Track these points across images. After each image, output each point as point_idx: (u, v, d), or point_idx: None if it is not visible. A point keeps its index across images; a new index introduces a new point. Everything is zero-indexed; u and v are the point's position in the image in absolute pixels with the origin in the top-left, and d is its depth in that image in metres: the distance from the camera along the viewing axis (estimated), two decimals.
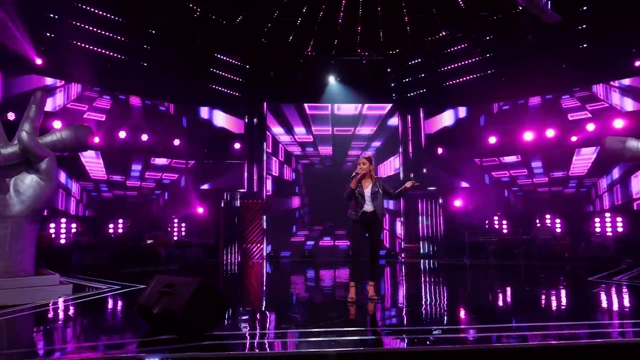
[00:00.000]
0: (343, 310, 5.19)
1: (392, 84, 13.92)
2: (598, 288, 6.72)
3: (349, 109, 13.68)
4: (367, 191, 5.43)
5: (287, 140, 13.65)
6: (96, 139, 10.88)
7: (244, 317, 5.01)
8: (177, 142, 12.88)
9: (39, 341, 4.09)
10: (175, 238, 12.55)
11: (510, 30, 11.29)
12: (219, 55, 12.88)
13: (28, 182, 6.06)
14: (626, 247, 10.30)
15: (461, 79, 12.90)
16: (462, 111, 13.56)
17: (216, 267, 11.04)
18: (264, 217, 13.16)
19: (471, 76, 12.75)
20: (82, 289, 6.87)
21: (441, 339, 3.84)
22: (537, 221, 12.02)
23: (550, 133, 11.97)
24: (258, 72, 13.30)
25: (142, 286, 4.35)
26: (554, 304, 5.86)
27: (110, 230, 12.03)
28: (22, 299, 5.62)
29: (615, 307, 5.54)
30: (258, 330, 4.36)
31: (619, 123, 10.72)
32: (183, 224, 13.07)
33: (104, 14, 10.65)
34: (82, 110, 11.38)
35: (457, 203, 12.82)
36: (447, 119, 13.65)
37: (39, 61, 10.04)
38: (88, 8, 10.38)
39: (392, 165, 13.60)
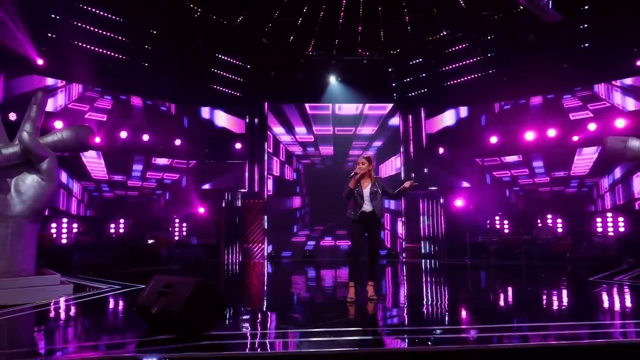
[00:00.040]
0: (342, 310, 5.18)
1: (393, 84, 13.91)
2: (599, 288, 6.70)
3: (350, 108, 13.67)
4: (366, 191, 5.41)
5: (288, 140, 13.66)
6: (97, 139, 10.89)
7: (243, 317, 5.01)
8: (178, 142, 12.90)
9: (39, 341, 4.09)
10: (177, 238, 12.56)
11: (511, 29, 11.28)
12: (219, 56, 12.89)
13: (29, 182, 6.07)
14: (628, 247, 10.27)
15: (462, 79, 12.89)
16: (463, 111, 13.55)
17: (217, 267, 11.04)
18: (265, 217, 13.17)
19: (472, 76, 12.74)
20: (83, 289, 6.89)
21: (441, 339, 3.83)
22: (539, 221, 12.00)
23: (551, 133, 11.95)
24: (259, 72, 13.31)
25: (143, 286, 4.35)
26: (555, 304, 5.84)
27: (112, 230, 12.04)
28: (22, 298, 5.63)
29: (617, 307, 5.53)
30: (257, 330, 4.36)
31: (620, 123, 10.69)
32: (184, 224, 13.08)
33: (105, 14, 10.66)
34: (83, 111, 11.40)
35: (459, 203, 12.81)
36: (448, 118, 13.64)
37: (40, 61, 10.06)
38: (89, 8, 10.40)
39: (393, 165, 13.59)
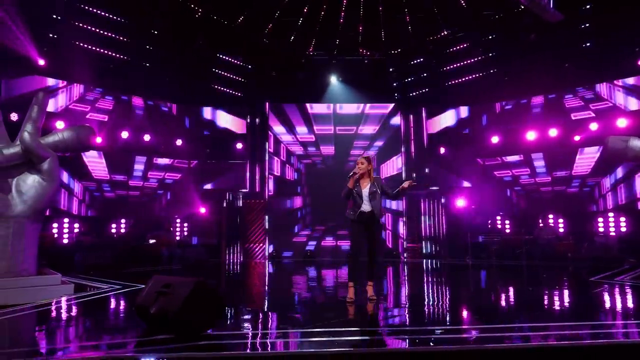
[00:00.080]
0: (342, 310, 5.18)
1: (394, 84, 13.90)
2: (601, 288, 6.68)
3: (351, 107, 13.66)
4: (365, 191, 5.40)
5: (289, 140, 13.65)
6: (98, 139, 10.91)
7: (242, 317, 5.01)
8: (179, 142, 12.91)
9: (39, 340, 4.10)
10: (178, 238, 12.58)
11: (512, 29, 11.26)
12: (220, 56, 12.90)
13: (30, 182, 6.08)
14: (629, 247, 10.25)
15: (463, 79, 12.87)
16: (465, 111, 13.52)
17: (218, 267, 11.05)
18: (266, 217, 13.17)
19: (473, 76, 12.72)
20: (84, 289, 6.90)
21: (441, 339, 3.82)
22: (540, 221, 11.97)
23: (553, 132, 11.91)
24: (260, 72, 13.33)
25: (143, 286, 4.35)
26: (556, 304, 5.83)
27: (113, 230, 12.05)
28: (23, 298, 5.64)
29: (618, 307, 5.51)
30: (255, 330, 4.35)
31: (622, 122, 10.66)
32: (185, 224, 13.10)
33: (106, 14, 10.68)
34: (84, 111, 11.42)
35: (460, 203, 12.79)
36: (449, 118, 13.62)
37: (41, 62, 10.07)
38: (90, 9, 10.42)
39: (394, 165, 13.58)
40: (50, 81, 10.84)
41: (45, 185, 6.10)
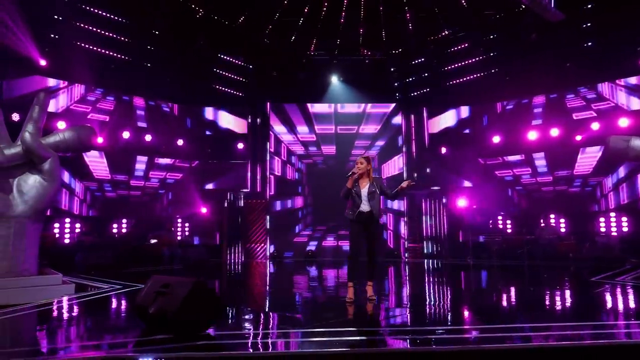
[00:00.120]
0: (341, 310, 5.17)
1: (395, 84, 13.89)
2: (602, 288, 6.66)
3: (352, 107, 13.66)
4: (364, 191, 5.39)
5: (290, 140, 13.65)
6: (100, 139, 10.92)
7: (241, 317, 5.01)
8: (180, 142, 12.92)
9: (39, 340, 4.12)
10: (179, 238, 12.59)
11: (513, 29, 11.24)
12: (221, 56, 12.92)
13: (31, 182, 6.10)
14: (631, 247, 10.21)
15: (464, 79, 12.86)
16: (466, 110, 13.51)
17: (219, 267, 11.05)
18: (268, 217, 13.17)
19: (474, 75, 12.70)
20: (85, 289, 6.91)
21: (442, 339, 3.81)
22: (541, 221, 11.95)
23: (554, 132, 11.89)
24: (261, 72, 13.33)
25: (144, 286, 4.36)
26: (557, 304, 5.81)
27: (114, 230, 12.07)
28: (24, 298, 5.66)
29: (620, 307, 5.50)
30: (254, 330, 4.35)
31: (624, 122, 10.63)
32: (187, 224, 13.10)
33: (107, 14, 10.69)
34: (85, 112, 11.44)
35: (461, 203, 12.77)
36: (450, 118, 13.61)
37: (42, 62, 10.09)
38: (91, 9, 10.43)
39: (395, 165, 13.57)
40: (52, 81, 10.87)
41: (46, 185, 6.11)
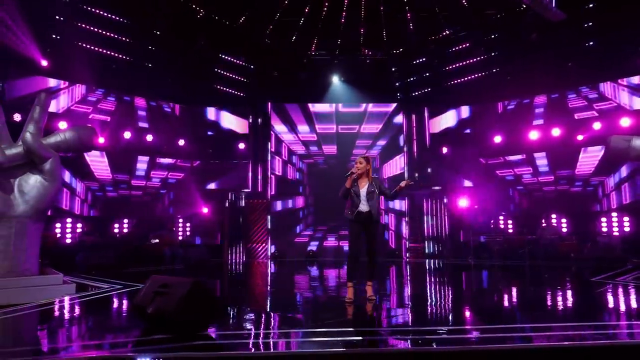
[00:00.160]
0: (340, 310, 5.17)
1: (397, 84, 13.88)
2: (603, 288, 6.65)
3: (353, 106, 13.64)
4: (363, 191, 5.38)
5: (291, 139, 13.64)
6: (101, 140, 10.94)
7: (241, 317, 5.01)
8: (182, 142, 12.93)
9: (40, 339, 4.13)
10: (180, 238, 12.59)
11: (514, 28, 11.21)
12: (222, 56, 12.92)
13: (32, 182, 6.11)
14: (632, 247, 10.18)
15: (466, 78, 12.84)
16: (467, 110, 13.49)
17: (221, 267, 11.06)
18: (269, 217, 13.18)
19: (475, 75, 12.68)
20: (86, 289, 6.92)
21: (443, 339, 3.81)
22: (543, 221, 11.93)
23: (556, 132, 11.87)
24: (262, 72, 13.34)
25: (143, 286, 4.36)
26: (559, 304, 5.80)
27: (115, 230, 12.09)
28: (25, 298, 5.67)
29: (621, 307, 5.48)
30: (253, 330, 4.34)
31: (626, 122, 10.60)
32: (188, 224, 13.11)
33: (108, 15, 10.70)
34: (86, 112, 11.45)
35: (462, 203, 12.75)
36: (451, 118, 13.60)
37: (44, 63, 10.11)
38: (92, 9, 10.44)
39: (397, 164, 13.56)
40: (53, 82, 10.89)
41: (47, 185, 6.12)
